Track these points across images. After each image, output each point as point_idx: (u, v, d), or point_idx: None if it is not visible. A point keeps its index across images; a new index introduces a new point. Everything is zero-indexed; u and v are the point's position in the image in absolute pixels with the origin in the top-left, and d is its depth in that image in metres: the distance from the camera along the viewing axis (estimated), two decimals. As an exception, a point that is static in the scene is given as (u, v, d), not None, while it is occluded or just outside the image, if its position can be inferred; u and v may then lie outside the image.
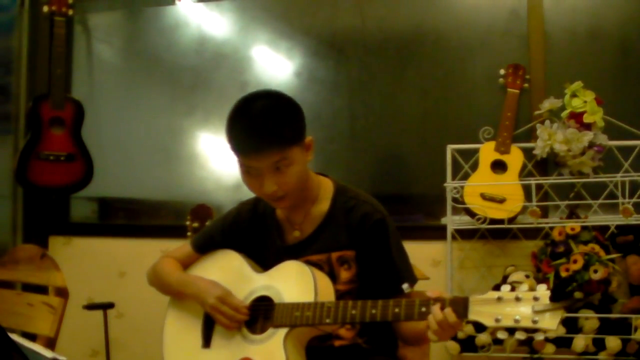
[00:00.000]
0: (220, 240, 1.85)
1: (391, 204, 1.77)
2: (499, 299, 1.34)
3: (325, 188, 1.77)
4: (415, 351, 1.98)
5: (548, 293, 1.30)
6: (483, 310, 1.35)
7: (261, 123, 1.60)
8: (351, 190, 1.77)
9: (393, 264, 1.70)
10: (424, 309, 1.44)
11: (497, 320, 1.33)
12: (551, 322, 1.28)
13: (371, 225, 1.69)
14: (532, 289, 1.34)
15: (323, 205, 1.75)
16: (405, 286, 1.65)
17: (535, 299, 1.31)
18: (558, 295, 1.29)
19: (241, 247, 1.83)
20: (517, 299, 1.32)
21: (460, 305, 1.39)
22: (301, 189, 1.69)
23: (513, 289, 1.34)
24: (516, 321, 1.31)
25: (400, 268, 1.71)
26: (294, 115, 1.66)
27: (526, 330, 1.31)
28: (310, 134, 1.70)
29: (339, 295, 1.67)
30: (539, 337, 1.31)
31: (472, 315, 1.37)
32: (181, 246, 1.96)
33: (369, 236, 1.69)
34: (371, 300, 1.53)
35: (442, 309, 1.40)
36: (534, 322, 1.29)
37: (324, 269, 1.70)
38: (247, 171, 1.64)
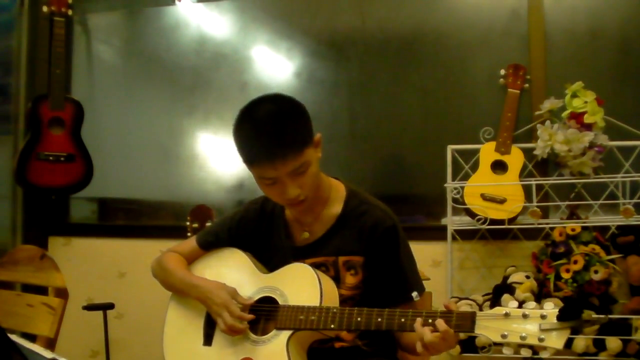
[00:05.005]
0: (226, 239, 1.85)
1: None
2: (507, 314, 1.35)
3: (337, 191, 1.76)
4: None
5: (556, 312, 1.32)
6: (490, 326, 1.37)
7: (276, 135, 1.55)
8: (362, 194, 1.76)
9: (403, 271, 1.69)
10: (430, 321, 1.44)
11: (503, 336, 1.34)
12: (558, 341, 1.30)
13: (383, 231, 1.67)
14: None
15: (335, 208, 1.73)
16: (414, 294, 1.65)
17: (543, 317, 1.32)
18: (566, 314, 1.30)
19: (247, 246, 1.82)
20: (525, 316, 1.34)
21: (468, 320, 1.39)
22: (316, 187, 1.67)
23: (521, 305, 1.35)
24: (522, 338, 1.32)
25: (409, 276, 1.70)
26: (302, 117, 1.63)
27: (532, 347, 1.32)
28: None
29: (342, 300, 1.66)
30: (545, 355, 1.32)
31: (479, 330, 1.38)
32: (186, 241, 1.96)
33: (380, 243, 1.67)
34: (377, 308, 1.52)
35: (447, 322, 1.41)
36: (540, 340, 1.30)
37: (329, 270, 1.69)
38: (268, 183, 1.61)
